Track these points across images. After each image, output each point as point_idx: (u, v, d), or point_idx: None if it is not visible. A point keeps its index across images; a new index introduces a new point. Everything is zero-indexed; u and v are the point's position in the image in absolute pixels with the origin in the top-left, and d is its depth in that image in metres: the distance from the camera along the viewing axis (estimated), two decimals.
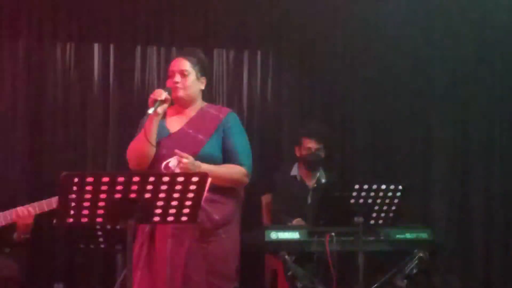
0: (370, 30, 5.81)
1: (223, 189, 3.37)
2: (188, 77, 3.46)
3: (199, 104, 3.55)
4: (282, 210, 4.94)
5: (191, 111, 3.52)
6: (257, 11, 5.73)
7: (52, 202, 4.03)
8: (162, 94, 3.35)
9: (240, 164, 3.43)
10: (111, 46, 5.54)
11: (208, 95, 5.27)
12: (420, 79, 5.88)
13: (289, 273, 4.23)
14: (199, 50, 3.65)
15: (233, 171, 3.42)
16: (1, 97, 5.37)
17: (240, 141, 3.50)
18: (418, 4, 5.76)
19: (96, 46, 5.53)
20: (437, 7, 5.81)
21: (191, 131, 3.46)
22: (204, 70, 3.54)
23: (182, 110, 3.52)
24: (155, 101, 3.32)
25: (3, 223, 4.08)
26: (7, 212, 4.08)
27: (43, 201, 4.07)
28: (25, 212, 4.05)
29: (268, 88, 5.78)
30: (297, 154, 5.06)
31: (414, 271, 4.35)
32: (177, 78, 3.45)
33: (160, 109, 3.34)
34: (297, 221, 4.78)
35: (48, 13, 5.43)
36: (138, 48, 5.59)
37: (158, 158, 3.37)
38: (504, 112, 5.89)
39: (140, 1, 5.60)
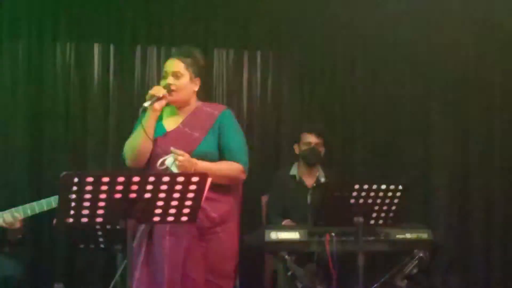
0: (369, 30, 5.81)
1: (220, 187, 3.38)
2: (181, 78, 3.46)
3: (194, 103, 3.55)
4: (276, 210, 4.95)
5: (187, 111, 3.53)
6: (257, 11, 5.73)
7: (35, 207, 4.00)
8: (160, 91, 3.36)
9: (236, 161, 3.44)
10: (111, 46, 5.54)
11: (208, 95, 5.34)
12: (420, 79, 5.88)
13: (289, 273, 4.23)
14: (195, 50, 3.63)
15: (229, 168, 3.42)
16: (1, 97, 5.37)
17: (236, 138, 3.50)
18: (418, 5, 5.75)
19: (96, 46, 5.53)
20: (437, 8, 5.80)
21: (187, 129, 3.47)
22: (199, 71, 3.53)
23: (178, 110, 3.53)
24: (153, 96, 3.34)
25: None
26: None
27: (27, 205, 4.02)
28: (10, 218, 4.01)
29: (268, 88, 5.78)
30: (296, 151, 5.08)
31: (414, 271, 4.35)
32: (171, 79, 3.45)
33: (157, 105, 3.37)
34: (286, 222, 4.78)
35: (48, 13, 5.43)
36: (138, 48, 5.59)
37: (154, 156, 3.38)
38: (504, 112, 5.89)
39: (140, 1, 5.60)
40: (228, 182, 3.44)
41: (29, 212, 4.01)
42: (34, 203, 4.01)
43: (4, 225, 4.03)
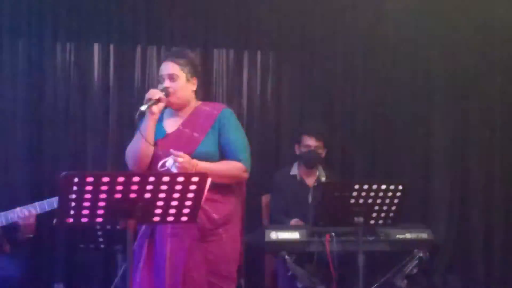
0: (370, 30, 5.81)
1: (222, 187, 3.36)
2: (177, 80, 3.46)
3: (194, 104, 3.55)
4: (281, 210, 4.94)
5: (187, 111, 3.52)
6: (257, 11, 5.73)
7: (53, 202, 4.03)
8: (156, 94, 3.36)
9: (238, 160, 3.42)
10: (111, 46, 5.54)
11: (208, 95, 5.35)
12: (420, 79, 5.89)
13: (289, 273, 4.23)
14: (188, 50, 3.64)
15: (231, 167, 3.40)
16: (1, 97, 5.37)
17: (236, 137, 3.48)
18: (419, 5, 5.75)
19: (96, 46, 5.53)
20: (437, 8, 5.81)
21: (187, 130, 3.46)
22: (195, 71, 3.52)
23: (178, 111, 3.52)
24: (149, 100, 3.33)
25: (4, 223, 4.08)
26: (8, 212, 4.08)
27: (44, 201, 4.07)
28: (26, 213, 4.04)
29: (268, 88, 5.78)
30: (297, 152, 5.08)
31: (414, 271, 4.35)
32: (167, 83, 3.45)
33: (155, 108, 3.35)
34: (295, 221, 4.78)
35: (48, 13, 5.43)
36: (138, 48, 5.59)
37: (156, 158, 3.37)
38: (504, 112, 5.90)
39: (140, 1, 5.60)
40: (230, 182, 3.42)
41: (46, 207, 4.04)
42: (53, 199, 4.04)
43: (17, 219, 4.05)
